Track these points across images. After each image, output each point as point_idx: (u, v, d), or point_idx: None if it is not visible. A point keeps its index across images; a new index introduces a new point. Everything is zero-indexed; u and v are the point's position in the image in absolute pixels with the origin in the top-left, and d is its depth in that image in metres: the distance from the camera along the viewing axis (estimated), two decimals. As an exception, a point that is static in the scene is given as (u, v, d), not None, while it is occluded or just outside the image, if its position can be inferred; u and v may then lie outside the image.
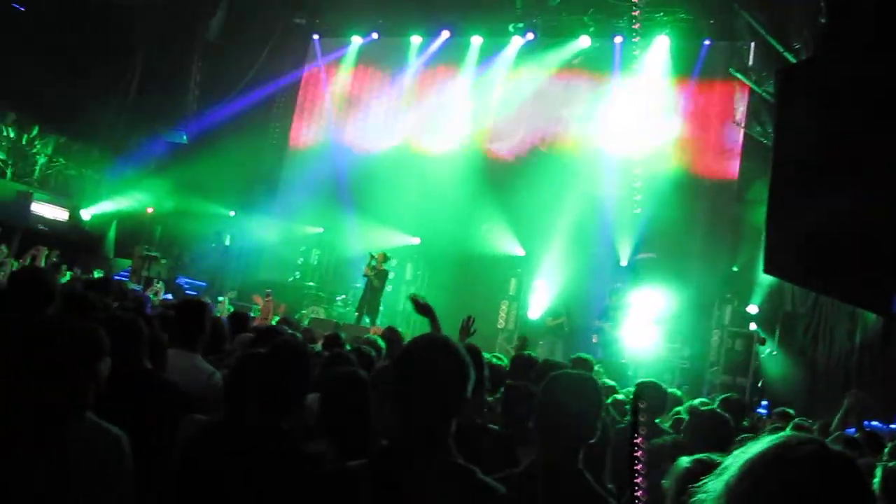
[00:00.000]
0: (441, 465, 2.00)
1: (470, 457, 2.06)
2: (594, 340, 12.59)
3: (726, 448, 2.29)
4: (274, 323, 9.66)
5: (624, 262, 14.84)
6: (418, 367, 2.04)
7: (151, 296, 10.15)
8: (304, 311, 16.24)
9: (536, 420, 2.55)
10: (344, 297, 16.90)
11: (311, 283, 18.02)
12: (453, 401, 2.02)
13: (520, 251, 16.49)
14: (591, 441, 2.54)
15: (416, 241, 17.59)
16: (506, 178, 16.28)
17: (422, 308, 4.37)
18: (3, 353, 2.11)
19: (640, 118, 15.44)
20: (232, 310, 11.05)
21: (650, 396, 4.79)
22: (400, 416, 2.02)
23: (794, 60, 10.91)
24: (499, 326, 16.13)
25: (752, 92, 14.14)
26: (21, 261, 8.11)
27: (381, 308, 15.23)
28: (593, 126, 16.26)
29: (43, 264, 8.08)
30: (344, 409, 2.96)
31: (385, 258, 15.06)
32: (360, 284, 15.52)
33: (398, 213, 16.74)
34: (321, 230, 18.69)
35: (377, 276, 14.98)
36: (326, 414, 2.96)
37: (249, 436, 2.68)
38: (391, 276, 16.80)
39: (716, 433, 3.52)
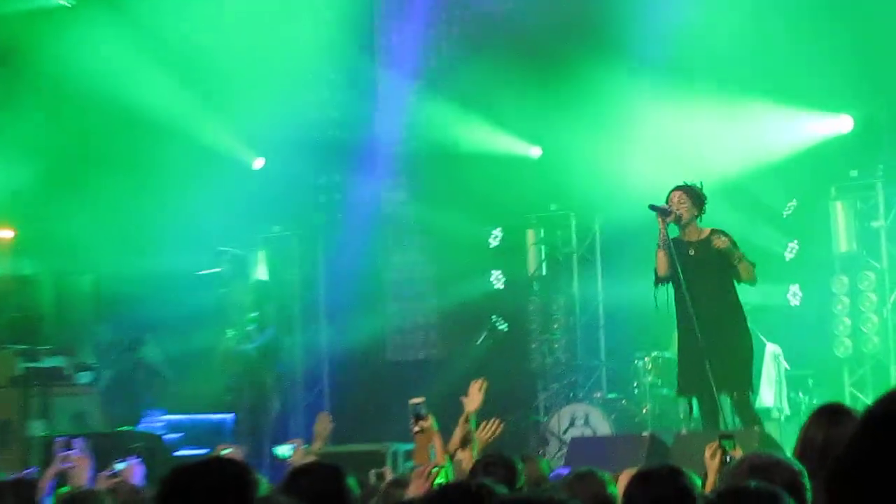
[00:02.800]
0: None
1: None
2: None
3: None
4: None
5: None
6: None
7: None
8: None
9: None
10: (659, 352, 11.83)
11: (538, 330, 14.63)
12: None
13: None
14: None
15: (846, 123, 12.67)
16: None
17: None
18: None
19: None
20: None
21: None
22: None
23: None
24: None
25: None
26: None
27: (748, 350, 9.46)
28: None
29: None
30: None
31: (697, 198, 9.51)
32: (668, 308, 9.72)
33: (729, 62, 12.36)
34: (538, 153, 14.04)
35: (697, 264, 9.48)
36: None
37: None
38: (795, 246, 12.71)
39: None
